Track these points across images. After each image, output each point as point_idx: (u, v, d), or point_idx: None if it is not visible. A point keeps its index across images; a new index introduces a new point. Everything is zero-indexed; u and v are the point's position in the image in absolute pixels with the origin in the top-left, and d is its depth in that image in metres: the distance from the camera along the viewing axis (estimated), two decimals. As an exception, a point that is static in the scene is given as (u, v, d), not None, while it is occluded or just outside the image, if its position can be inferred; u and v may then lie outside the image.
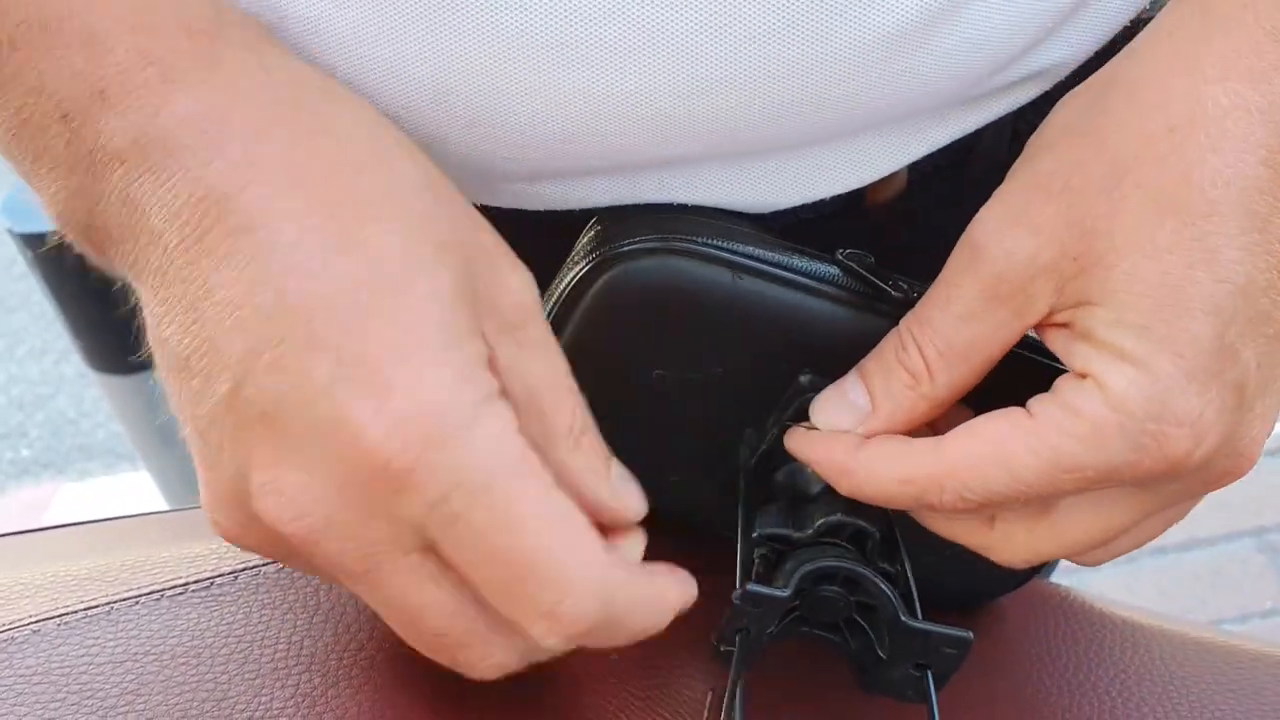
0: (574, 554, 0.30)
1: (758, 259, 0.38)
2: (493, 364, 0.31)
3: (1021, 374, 0.36)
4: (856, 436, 0.37)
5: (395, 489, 0.29)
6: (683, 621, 0.44)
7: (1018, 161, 0.36)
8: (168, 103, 0.30)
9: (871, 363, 0.37)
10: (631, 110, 0.36)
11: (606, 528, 0.35)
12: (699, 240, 0.38)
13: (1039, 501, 0.36)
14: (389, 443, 0.28)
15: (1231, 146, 0.32)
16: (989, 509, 0.36)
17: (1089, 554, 0.38)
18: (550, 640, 0.31)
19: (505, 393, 0.31)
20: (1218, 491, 0.37)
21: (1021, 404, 0.35)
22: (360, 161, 0.31)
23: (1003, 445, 0.34)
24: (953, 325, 0.35)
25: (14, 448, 1.75)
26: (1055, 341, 0.35)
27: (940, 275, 0.35)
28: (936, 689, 0.38)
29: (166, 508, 0.88)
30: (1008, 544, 0.38)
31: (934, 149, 0.42)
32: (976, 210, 0.44)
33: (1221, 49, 0.33)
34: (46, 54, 0.30)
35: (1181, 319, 0.32)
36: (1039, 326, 0.35)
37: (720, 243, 0.38)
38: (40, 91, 0.31)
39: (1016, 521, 0.37)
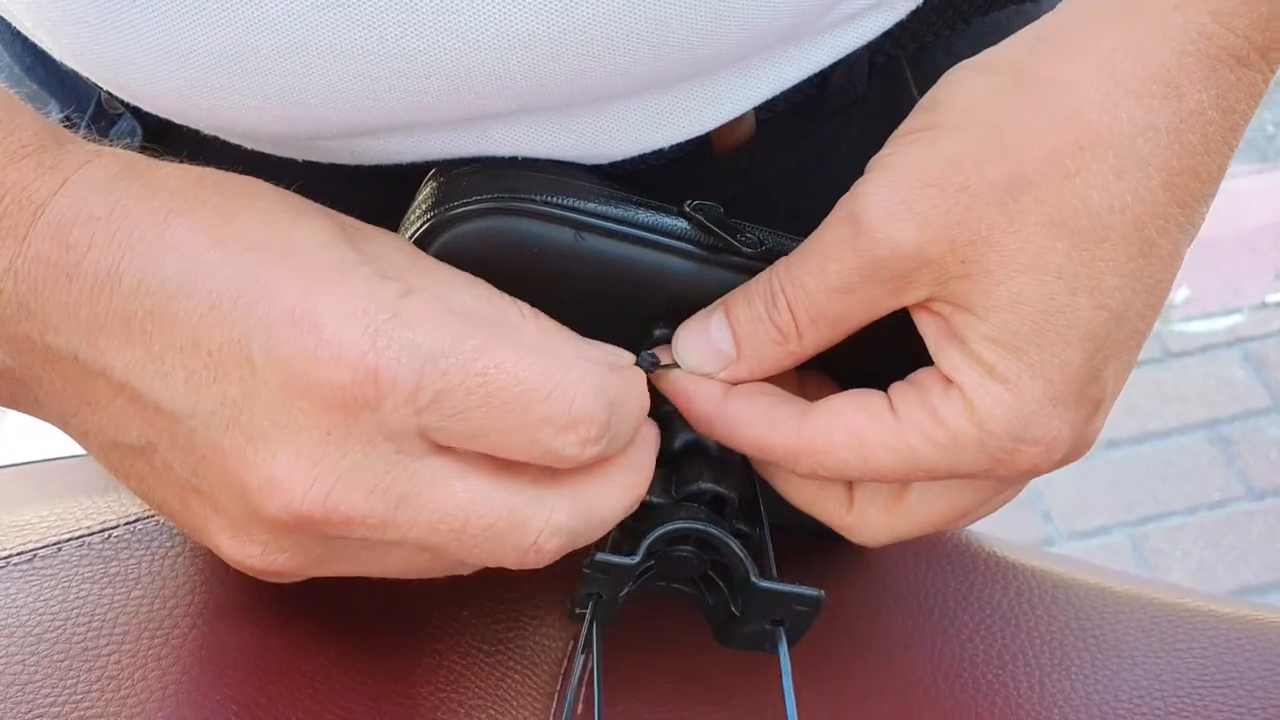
0: (556, 366, 0.32)
1: (600, 215, 0.37)
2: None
3: (889, 329, 0.36)
4: (722, 386, 0.37)
5: (372, 405, 0.30)
6: (536, 575, 0.44)
7: (909, 124, 0.34)
8: (28, 226, 0.31)
9: (741, 310, 0.36)
10: (439, 69, 0.34)
11: None
12: (538, 198, 0.37)
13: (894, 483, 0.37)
14: (341, 368, 0.30)
15: (1135, 170, 0.32)
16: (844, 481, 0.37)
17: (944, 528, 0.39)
18: (586, 451, 0.32)
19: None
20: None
21: (882, 359, 0.36)
22: (203, 193, 0.32)
23: (861, 436, 0.35)
24: (827, 295, 0.34)
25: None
26: (926, 327, 0.35)
27: (817, 238, 0.35)
28: (790, 644, 0.39)
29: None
30: (866, 527, 0.39)
31: (782, 89, 0.40)
32: (832, 151, 0.43)
33: (1143, 57, 0.32)
34: None
35: (1055, 345, 0.33)
36: (912, 306, 0.35)
37: (561, 199, 0.37)
38: None
39: (872, 504, 0.38)
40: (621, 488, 0.35)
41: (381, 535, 0.32)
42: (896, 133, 0.35)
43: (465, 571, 0.36)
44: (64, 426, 0.34)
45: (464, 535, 0.32)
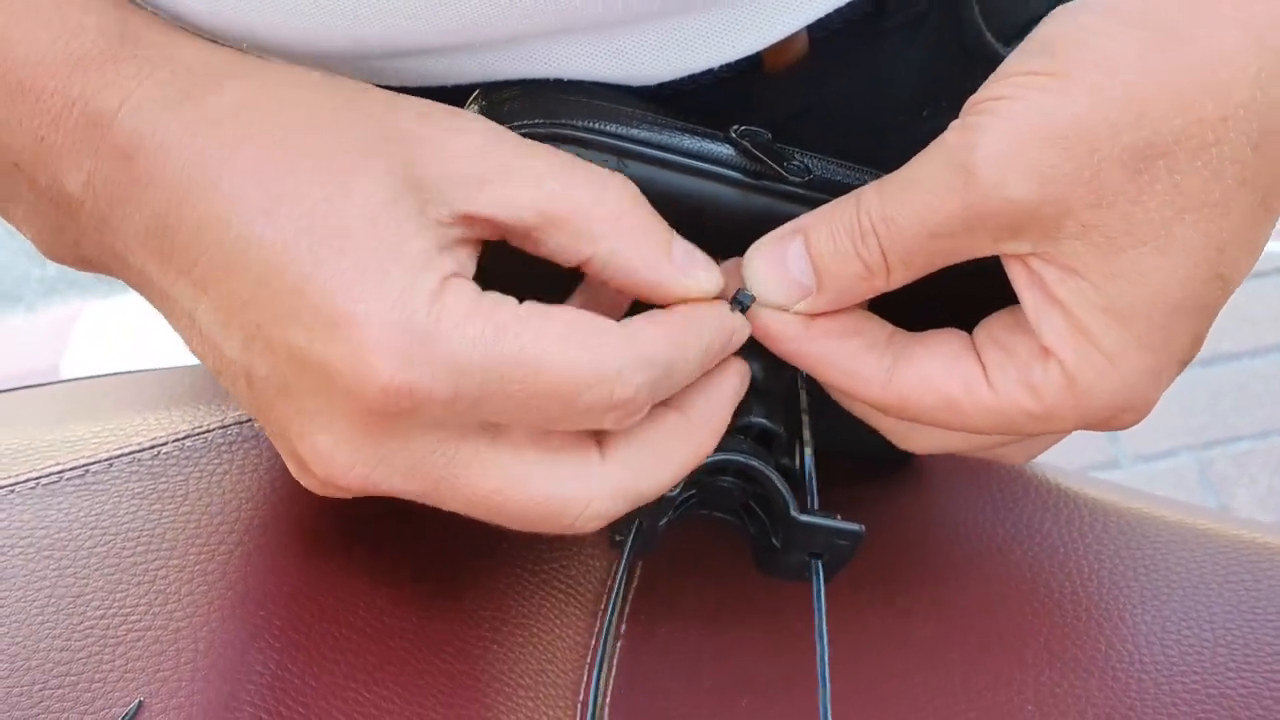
0: (596, 350, 0.31)
1: (644, 142, 0.36)
2: (475, 222, 0.32)
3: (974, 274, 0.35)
4: (804, 321, 0.36)
5: (409, 409, 0.31)
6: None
7: (1025, 64, 0.32)
8: (98, 142, 0.31)
9: (824, 243, 0.35)
10: None
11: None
12: (581, 125, 0.36)
13: None
14: (377, 377, 0.30)
15: (1272, 144, 0.31)
16: None
17: (1001, 451, 0.38)
18: (630, 420, 0.33)
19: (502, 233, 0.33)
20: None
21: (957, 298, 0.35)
22: (259, 131, 0.32)
23: (954, 403, 0.34)
24: (925, 239, 0.33)
25: (40, 265, 1.78)
26: (1021, 283, 0.33)
27: (918, 179, 0.33)
28: (828, 578, 0.39)
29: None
30: (921, 439, 0.38)
31: (836, 5, 0.39)
32: (890, 72, 0.41)
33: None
34: None
35: (1167, 317, 0.32)
36: (1009, 256, 0.33)
37: (604, 126, 0.36)
38: None
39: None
40: (671, 460, 0.35)
41: (424, 501, 0.33)
42: (1008, 69, 0.33)
43: None
44: None
45: (501, 514, 0.33)
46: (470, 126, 0.34)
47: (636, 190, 0.34)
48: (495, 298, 0.32)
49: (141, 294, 0.34)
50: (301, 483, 0.34)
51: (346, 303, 0.30)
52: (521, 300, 0.32)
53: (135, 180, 0.32)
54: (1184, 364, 0.33)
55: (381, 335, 0.30)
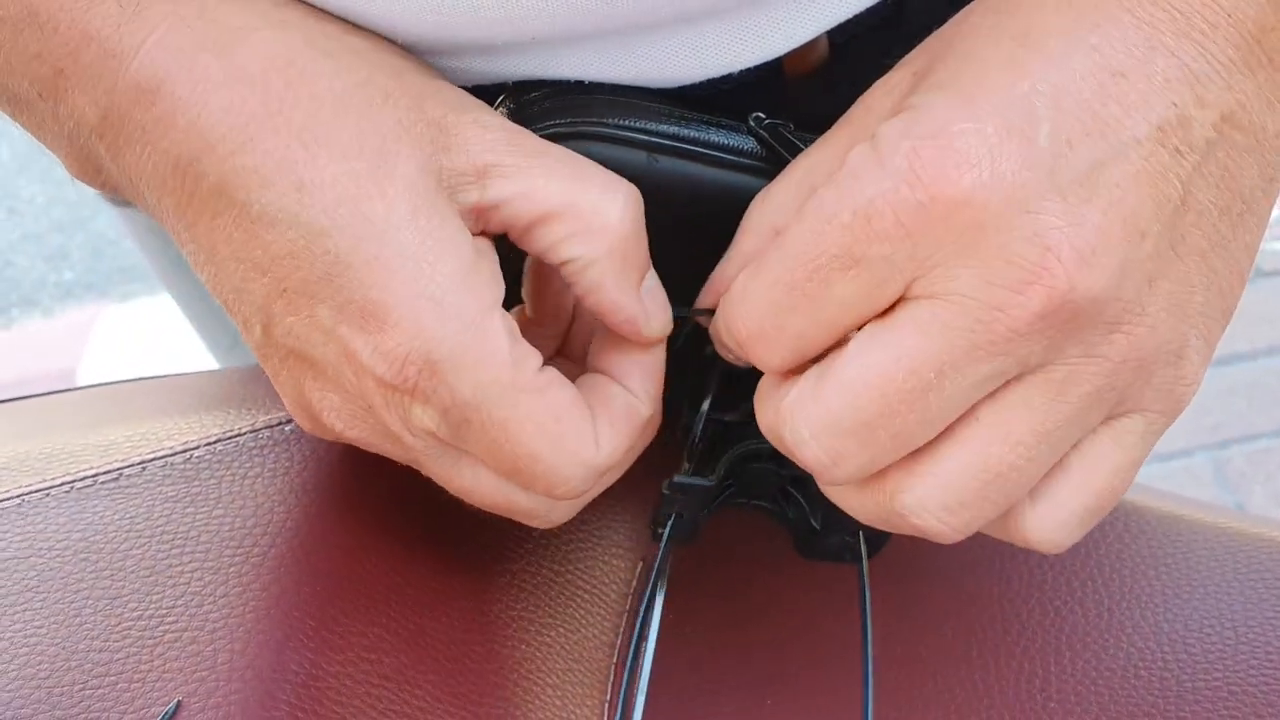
0: (561, 455, 0.34)
1: (673, 137, 0.37)
2: (486, 215, 0.33)
3: None
4: None
5: (408, 405, 0.32)
6: (602, 499, 0.45)
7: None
8: (115, 79, 0.31)
9: None
10: None
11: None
12: (611, 122, 0.37)
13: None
14: (390, 374, 0.32)
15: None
16: None
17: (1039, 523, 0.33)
18: (574, 504, 0.37)
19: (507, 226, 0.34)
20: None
21: None
22: (290, 91, 0.32)
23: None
24: None
25: (57, 270, 1.79)
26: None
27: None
28: (871, 554, 0.39)
29: (193, 331, 0.90)
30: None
31: (856, 11, 0.39)
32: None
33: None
34: (9, 38, 0.32)
35: (970, 65, 0.30)
36: None
37: (633, 122, 0.37)
38: (13, 72, 0.32)
39: None
40: (633, 445, 0.37)
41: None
42: None
43: None
44: None
45: (472, 499, 0.36)
46: (494, 122, 0.34)
47: (639, 207, 0.35)
48: (524, 353, 0.33)
49: (159, 222, 0.34)
50: (298, 422, 0.36)
51: (381, 300, 0.31)
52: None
53: (157, 121, 0.31)
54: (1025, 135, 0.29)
55: (407, 344, 0.31)
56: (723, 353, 0.36)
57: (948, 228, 0.29)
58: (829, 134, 0.35)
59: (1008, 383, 0.30)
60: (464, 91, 0.36)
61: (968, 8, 0.33)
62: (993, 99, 0.29)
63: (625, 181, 0.35)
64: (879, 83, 0.34)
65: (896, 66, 0.34)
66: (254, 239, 0.32)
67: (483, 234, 0.34)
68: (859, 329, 0.31)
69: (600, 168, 0.35)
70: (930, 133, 0.29)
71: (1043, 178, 0.28)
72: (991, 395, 0.30)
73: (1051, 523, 0.32)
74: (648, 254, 0.36)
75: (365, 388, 0.32)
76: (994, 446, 0.30)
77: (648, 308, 0.36)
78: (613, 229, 0.34)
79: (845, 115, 0.35)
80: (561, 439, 0.34)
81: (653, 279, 0.36)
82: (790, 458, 0.32)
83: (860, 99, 0.35)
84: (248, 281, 0.32)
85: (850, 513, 0.34)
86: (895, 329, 0.30)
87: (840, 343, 0.31)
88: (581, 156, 0.35)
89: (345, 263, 0.31)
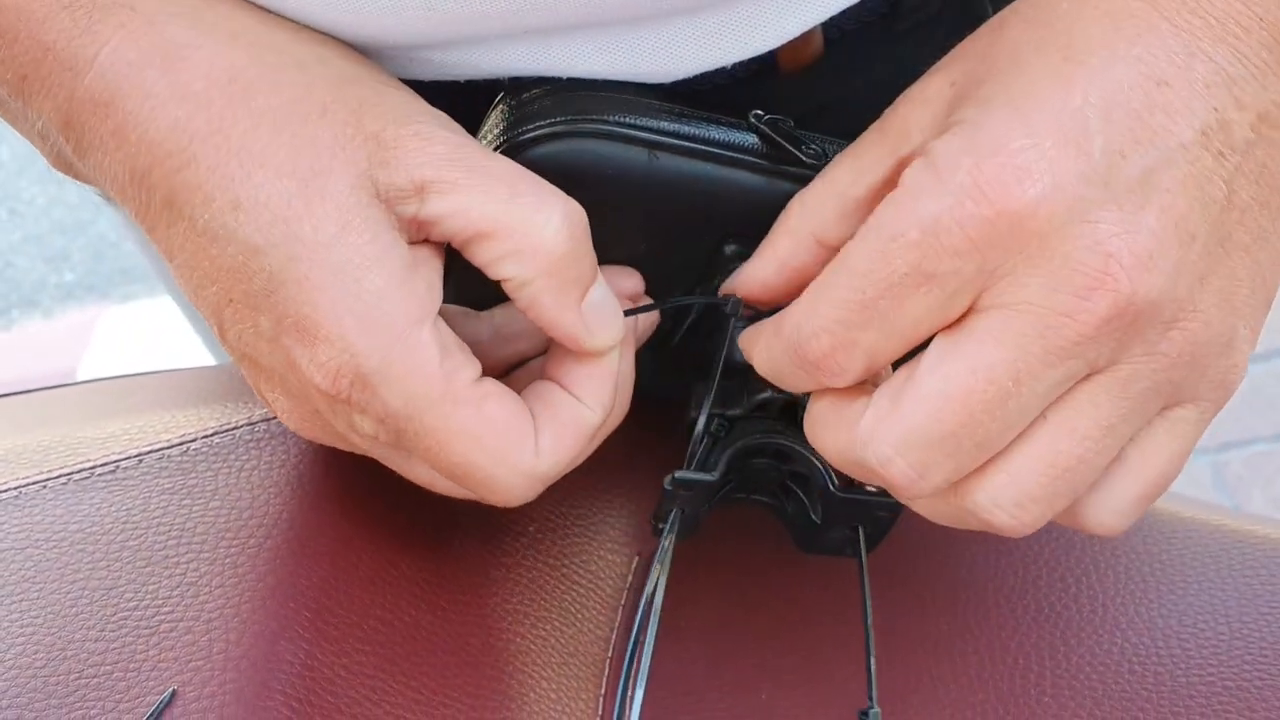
0: (498, 464, 0.34)
1: (673, 134, 0.37)
2: (427, 228, 0.34)
3: None
4: None
5: (346, 413, 0.34)
6: (598, 493, 0.45)
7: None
8: (72, 89, 0.32)
9: None
10: None
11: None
12: (611, 119, 0.37)
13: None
14: (327, 384, 0.33)
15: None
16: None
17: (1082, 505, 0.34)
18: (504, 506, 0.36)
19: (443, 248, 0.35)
20: None
21: None
22: (229, 109, 0.32)
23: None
24: None
25: (57, 271, 1.79)
26: None
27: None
28: (870, 548, 0.39)
29: (193, 332, 0.90)
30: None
31: (850, 4, 0.40)
32: (904, 74, 0.42)
33: None
34: None
35: (1018, 79, 0.31)
36: None
37: (632, 119, 0.37)
38: None
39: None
40: (585, 448, 0.37)
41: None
42: None
43: None
44: None
45: (435, 489, 0.37)
46: (437, 134, 0.34)
47: (582, 223, 0.35)
48: (457, 364, 0.34)
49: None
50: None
51: (311, 316, 0.32)
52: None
53: (113, 134, 0.32)
54: (1087, 154, 0.30)
55: (337, 357, 0.32)
56: (770, 375, 0.36)
57: (1013, 240, 0.30)
58: (861, 142, 0.35)
59: (1074, 384, 0.31)
60: (413, 99, 0.36)
61: (999, 17, 0.33)
62: (1046, 114, 0.30)
63: (563, 197, 0.34)
64: (912, 92, 0.34)
65: (929, 74, 0.34)
66: (201, 251, 0.33)
67: (426, 241, 0.35)
68: (929, 342, 0.32)
69: (542, 183, 0.35)
70: (990, 150, 0.30)
71: (1099, 188, 0.29)
72: (1059, 396, 0.31)
73: (1109, 510, 0.34)
74: (592, 267, 0.35)
75: (309, 394, 0.33)
76: (1063, 443, 0.31)
77: (589, 323, 0.35)
78: (546, 249, 0.34)
79: (878, 124, 0.35)
80: (499, 451, 0.34)
81: (599, 291, 0.36)
82: (867, 478, 0.34)
83: (893, 108, 0.35)
84: (201, 288, 0.33)
85: (920, 513, 0.34)
86: (970, 340, 0.31)
87: (905, 358, 0.32)
88: (525, 170, 0.35)
89: (279, 279, 0.32)
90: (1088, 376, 0.31)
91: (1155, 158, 0.30)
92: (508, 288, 0.35)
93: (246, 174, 0.32)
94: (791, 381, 0.35)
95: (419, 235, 0.34)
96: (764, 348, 0.35)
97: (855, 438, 0.33)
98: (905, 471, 0.32)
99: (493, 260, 0.34)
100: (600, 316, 0.36)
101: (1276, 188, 0.31)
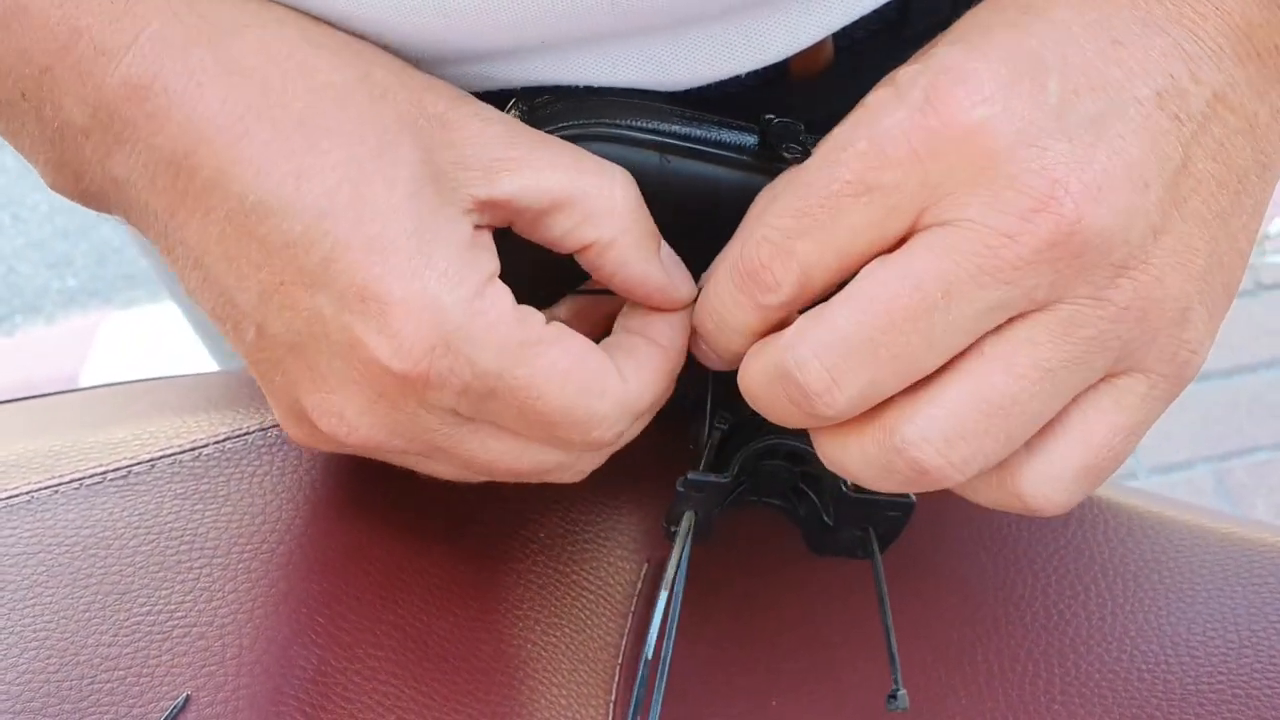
0: (591, 396, 0.33)
1: (685, 138, 0.37)
2: (490, 209, 0.33)
3: None
4: None
5: (421, 391, 0.32)
6: (607, 498, 0.45)
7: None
8: (105, 75, 0.31)
9: None
10: None
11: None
12: (623, 123, 0.37)
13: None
14: (399, 359, 0.31)
15: None
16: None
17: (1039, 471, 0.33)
18: (601, 453, 0.36)
19: (506, 220, 0.34)
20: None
21: None
22: (289, 84, 0.32)
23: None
24: None
25: (60, 277, 1.79)
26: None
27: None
28: (882, 548, 0.40)
29: (196, 338, 0.90)
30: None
31: (861, 13, 0.40)
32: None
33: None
34: None
35: (976, 28, 0.31)
36: None
37: (645, 123, 0.37)
38: None
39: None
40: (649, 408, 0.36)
41: (419, 464, 0.35)
42: None
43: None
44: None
45: (493, 474, 0.36)
46: (493, 116, 0.35)
47: (637, 188, 0.36)
48: (526, 312, 0.33)
49: (139, 229, 0.34)
50: (289, 433, 0.35)
51: (383, 279, 0.31)
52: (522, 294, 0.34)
53: (150, 118, 0.31)
54: (1040, 87, 0.30)
55: (415, 321, 0.31)
56: (715, 307, 0.35)
57: (959, 155, 0.29)
58: (831, 132, 0.35)
59: (1012, 319, 0.31)
60: (464, 92, 0.36)
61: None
62: (1003, 50, 0.30)
63: (616, 164, 0.35)
64: (880, 82, 0.35)
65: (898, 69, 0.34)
66: (248, 234, 0.31)
67: (489, 229, 0.35)
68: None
69: (590, 155, 0.35)
70: (945, 70, 0.30)
71: (1050, 119, 0.29)
72: (997, 330, 0.31)
73: (1047, 479, 0.33)
74: (655, 228, 0.36)
75: (373, 379, 0.32)
76: (996, 376, 0.31)
77: (673, 274, 0.36)
78: (620, 209, 0.35)
79: (848, 115, 0.35)
80: (587, 382, 0.33)
81: (666, 247, 0.36)
82: (792, 397, 0.32)
83: (862, 100, 0.35)
84: (242, 280, 0.32)
85: (849, 466, 0.33)
86: (904, 252, 0.30)
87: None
88: (575, 146, 0.36)
89: (345, 244, 0.31)
90: (1026, 314, 0.30)
91: (1108, 104, 0.30)
92: (589, 255, 0.35)
93: (311, 143, 0.31)
94: (732, 307, 0.34)
95: (482, 219, 0.34)
96: (715, 278, 0.35)
97: (778, 346, 0.32)
98: (820, 375, 0.31)
99: (570, 229, 0.34)
100: (677, 268, 0.36)
101: (1234, 171, 0.31)
